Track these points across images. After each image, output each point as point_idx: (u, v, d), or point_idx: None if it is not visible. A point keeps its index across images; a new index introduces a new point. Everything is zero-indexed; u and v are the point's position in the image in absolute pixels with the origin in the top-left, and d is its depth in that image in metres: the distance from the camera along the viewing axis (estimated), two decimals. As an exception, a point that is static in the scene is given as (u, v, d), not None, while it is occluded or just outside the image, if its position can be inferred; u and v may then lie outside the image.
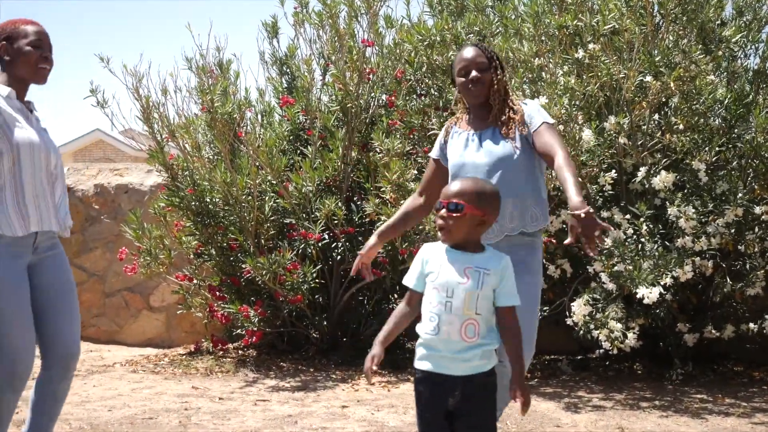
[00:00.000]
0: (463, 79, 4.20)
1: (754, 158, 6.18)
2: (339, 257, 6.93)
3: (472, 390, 3.07)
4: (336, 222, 6.62)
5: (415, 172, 6.39)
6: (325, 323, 7.01)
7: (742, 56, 6.82)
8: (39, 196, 3.77)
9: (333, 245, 6.90)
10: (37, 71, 3.80)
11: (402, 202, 6.08)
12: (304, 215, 6.75)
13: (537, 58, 6.36)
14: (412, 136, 6.75)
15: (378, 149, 6.44)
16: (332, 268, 7.03)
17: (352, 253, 6.84)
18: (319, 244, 6.71)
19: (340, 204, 6.65)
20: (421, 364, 3.12)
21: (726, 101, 6.31)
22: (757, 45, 6.69)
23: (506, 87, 4.19)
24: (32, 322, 3.74)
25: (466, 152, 4.20)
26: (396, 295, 7.26)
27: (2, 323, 3.65)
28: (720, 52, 6.40)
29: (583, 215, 3.53)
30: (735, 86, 6.58)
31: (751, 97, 6.52)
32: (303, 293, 6.56)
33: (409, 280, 3.20)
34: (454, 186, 3.15)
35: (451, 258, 3.13)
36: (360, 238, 6.86)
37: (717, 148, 6.23)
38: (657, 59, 5.91)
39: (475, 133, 4.21)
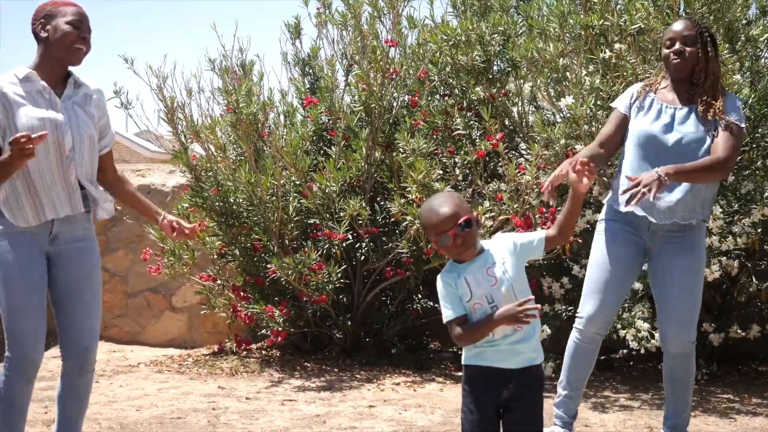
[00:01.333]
0: (666, 51, 4.24)
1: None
2: (363, 257, 6.94)
3: (526, 382, 3.10)
4: (360, 222, 6.63)
5: (440, 172, 6.39)
6: (349, 323, 7.01)
7: (766, 56, 6.80)
8: (51, 182, 3.75)
9: (357, 245, 6.90)
10: (72, 51, 3.79)
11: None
12: (327, 215, 6.76)
13: (562, 58, 6.35)
14: (435, 137, 6.75)
15: (402, 149, 6.45)
16: (356, 269, 7.04)
17: (376, 253, 6.84)
18: (344, 245, 6.72)
19: (364, 204, 6.65)
20: (473, 360, 3.15)
21: (750, 101, 6.30)
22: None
23: (717, 67, 4.21)
24: (43, 312, 3.76)
25: (656, 125, 4.24)
26: (420, 295, 7.26)
27: (11, 311, 3.68)
28: (745, 52, 6.39)
29: (656, 176, 3.75)
30: (759, 86, 6.56)
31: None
32: (328, 293, 6.56)
33: (448, 313, 3.16)
34: (443, 209, 3.12)
35: (470, 272, 3.15)
36: (384, 239, 6.86)
37: (742, 148, 6.21)
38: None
39: (670, 107, 4.24)
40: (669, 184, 3.98)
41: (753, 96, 6.28)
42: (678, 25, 4.27)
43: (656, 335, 5.91)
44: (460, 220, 3.08)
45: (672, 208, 4.20)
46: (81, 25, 3.80)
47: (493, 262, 3.16)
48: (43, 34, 3.79)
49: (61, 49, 3.79)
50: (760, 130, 6.41)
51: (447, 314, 3.14)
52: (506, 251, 3.17)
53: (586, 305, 4.42)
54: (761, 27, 6.15)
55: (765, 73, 6.72)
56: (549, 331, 6.12)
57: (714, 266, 5.87)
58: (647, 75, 6.06)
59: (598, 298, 4.37)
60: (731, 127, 4.12)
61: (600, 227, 4.48)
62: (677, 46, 4.21)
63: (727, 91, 4.30)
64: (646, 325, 5.89)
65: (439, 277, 3.20)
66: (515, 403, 3.11)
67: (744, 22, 6.22)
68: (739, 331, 6.39)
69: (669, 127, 4.23)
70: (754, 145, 6.46)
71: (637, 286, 5.97)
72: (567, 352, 4.57)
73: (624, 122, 4.38)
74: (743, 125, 4.14)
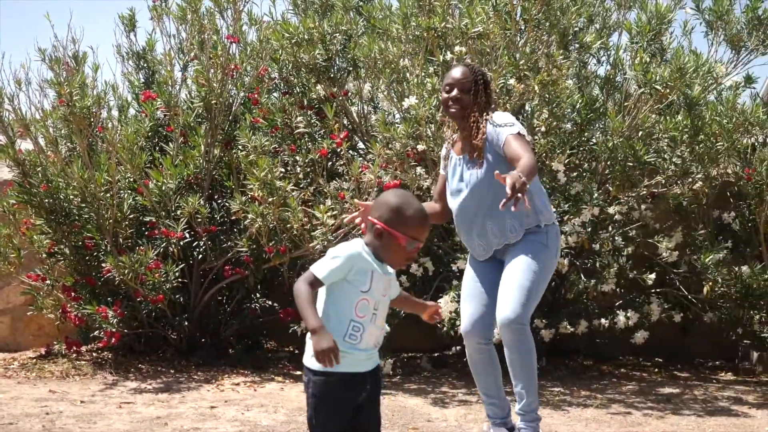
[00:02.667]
0: (444, 95, 4.48)
1: (607, 160, 6.44)
2: (200, 256, 6.81)
3: (376, 382, 3.18)
4: (199, 220, 6.50)
5: (283, 170, 6.36)
6: (185, 323, 6.86)
7: (594, 63, 7.12)
8: None
9: (194, 244, 6.77)
10: None
11: (270, 199, 6.06)
12: (164, 213, 6.60)
13: (403, 60, 6.44)
14: (275, 135, 6.71)
15: (244, 146, 6.38)
16: (192, 268, 6.90)
17: (214, 252, 6.74)
18: (181, 243, 6.57)
19: (202, 202, 6.54)
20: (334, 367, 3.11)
21: (578, 106, 6.57)
22: (609, 52, 6.99)
23: (484, 109, 4.44)
24: None
25: (454, 181, 4.56)
26: (258, 294, 7.20)
27: None
28: (573, 56, 6.66)
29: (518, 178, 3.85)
30: (585, 92, 6.85)
31: (600, 102, 6.81)
32: (165, 292, 6.41)
33: (323, 269, 3.07)
34: (427, 222, 3.20)
35: (380, 271, 3.15)
36: (222, 237, 6.77)
37: (569, 151, 6.47)
38: (521, 63, 6.08)
39: (459, 159, 4.53)
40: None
41: (581, 101, 6.56)
42: (456, 73, 4.48)
43: (496, 331, 6.08)
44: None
45: (489, 248, 4.56)
46: None
47: (393, 281, 3.21)
48: None
49: None
50: (586, 134, 6.70)
51: (321, 269, 3.04)
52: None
53: (463, 324, 4.66)
54: (593, 34, 6.42)
55: (592, 79, 7.03)
56: (388, 328, 6.18)
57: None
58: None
59: (467, 315, 4.61)
60: (509, 139, 4.27)
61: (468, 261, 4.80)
62: (454, 92, 4.44)
63: (494, 115, 4.44)
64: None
65: (357, 244, 3.13)
66: (368, 403, 3.13)
67: (577, 29, 6.47)
68: (568, 327, 6.64)
69: (459, 180, 4.55)
70: (582, 149, 6.75)
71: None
72: (470, 367, 4.75)
73: (446, 180, 4.71)
74: (516, 131, 4.28)
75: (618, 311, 6.63)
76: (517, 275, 4.38)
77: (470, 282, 4.66)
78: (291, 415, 5.43)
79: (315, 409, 3.11)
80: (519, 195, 3.93)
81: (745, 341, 7.08)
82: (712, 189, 7.02)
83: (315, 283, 3.06)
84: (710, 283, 6.61)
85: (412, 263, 6.61)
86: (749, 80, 7.22)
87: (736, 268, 6.68)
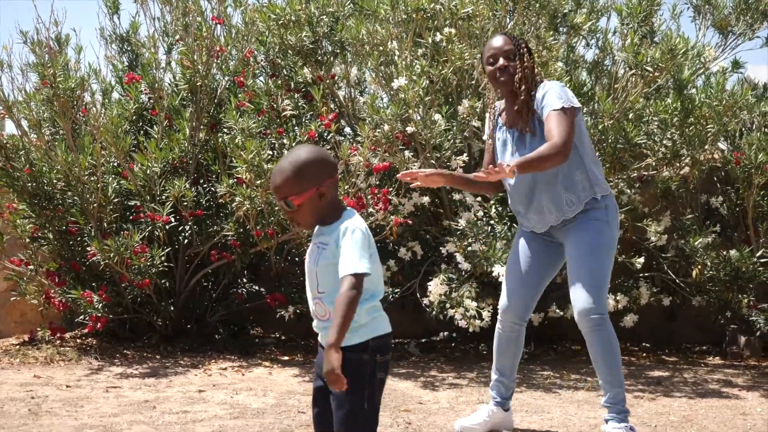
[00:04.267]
0: (490, 68, 4.37)
1: (597, 143, 6.41)
2: (186, 241, 6.73)
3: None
4: (185, 204, 6.42)
5: (270, 152, 6.29)
6: (171, 309, 6.78)
7: (582, 46, 7.08)
8: None
9: (180, 228, 6.69)
10: None
11: (258, 182, 6.00)
12: (149, 197, 6.52)
13: (391, 42, 6.39)
14: (261, 118, 6.63)
15: (232, 128, 6.31)
16: (178, 253, 6.82)
17: (200, 236, 6.66)
18: (167, 227, 6.49)
19: (188, 185, 6.46)
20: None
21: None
22: (597, 35, 6.96)
23: (531, 76, 4.33)
24: None
25: (506, 155, 4.44)
26: (245, 279, 7.13)
27: None
28: (562, 39, 6.62)
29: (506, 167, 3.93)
30: (573, 76, 6.81)
31: (589, 86, 6.78)
32: (151, 277, 6.33)
33: (367, 265, 2.91)
34: (272, 182, 3.00)
35: (313, 241, 3.07)
36: (208, 222, 6.69)
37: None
38: (511, 44, 6.03)
39: (509, 131, 4.44)
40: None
41: (570, 85, 6.52)
42: (497, 41, 4.40)
43: (484, 313, 6.06)
44: (279, 199, 3.00)
45: (544, 225, 4.48)
46: None
47: (320, 244, 3.00)
48: None
49: None
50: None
51: (367, 266, 2.87)
52: (333, 249, 2.94)
53: (501, 298, 4.61)
54: (584, 15, 6.38)
55: (580, 63, 7.00)
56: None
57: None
58: (476, 59, 6.20)
59: (509, 290, 4.57)
60: (550, 114, 4.20)
61: (518, 230, 4.68)
62: (500, 62, 4.35)
63: (540, 82, 4.38)
64: (474, 304, 6.00)
65: (361, 223, 2.96)
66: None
67: (567, 10, 6.43)
68: (557, 311, 6.61)
69: (512, 153, 4.43)
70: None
71: (466, 266, 6.07)
72: (494, 341, 4.69)
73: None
74: (559, 106, 4.18)
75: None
76: (586, 261, 4.29)
77: (519, 257, 4.55)
78: (281, 399, 5.38)
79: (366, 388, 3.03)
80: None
81: (732, 325, 7.07)
82: (700, 173, 7.01)
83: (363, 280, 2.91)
84: (699, 267, 6.60)
85: (402, 248, 6.57)
86: (736, 65, 7.22)
87: (725, 252, 6.68)
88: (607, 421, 4.36)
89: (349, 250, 2.87)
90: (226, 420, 4.85)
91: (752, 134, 6.77)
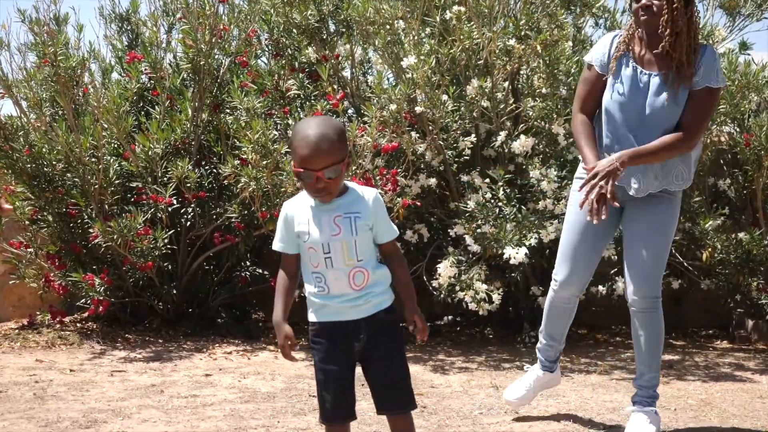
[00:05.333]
0: (635, 5, 3.98)
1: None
2: (189, 223, 6.61)
3: (377, 327, 2.98)
4: (188, 185, 6.30)
5: (276, 132, 6.17)
6: (174, 292, 6.66)
7: (591, 26, 6.98)
8: None
9: (182, 211, 6.57)
10: None
11: (264, 162, 5.89)
12: (151, 179, 6.40)
13: (398, 21, 6.28)
14: (265, 98, 6.52)
15: (235, 109, 6.21)
16: (180, 235, 6.70)
17: (203, 218, 6.54)
18: (169, 209, 6.37)
19: (190, 167, 6.34)
20: (314, 317, 3.03)
21: (573, 71, 6.44)
22: (606, 15, 6.86)
23: (688, 23, 3.93)
24: None
25: (630, 92, 4.03)
26: (248, 263, 7.02)
27: None
28: (570, 20, 6.52)
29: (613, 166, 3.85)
30: (581, 56, 6.71)
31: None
32: (154, 259, 6.22)
33: (276, 244, 3.06)
34: (314, 149, 2.88)
35: (318, 211, 2.98)
36: (211, 204, 6.57)
37: (565, 117, 6.34)
38: (521, 22, 5.95)
39: (645, 72, 4.02)
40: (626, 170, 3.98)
41: (576, 67, 6.42)
42: None
43: (494, 296, 5.97)
44: (327, 167, 2.91)
45: (644, 189, 4.13)
46: None
47: (348, 213, 2.99)
48: None
49: None
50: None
51: (276, 244, 3.11)
52: (369, 217, 3.00)
53: (560, 269, 4.34)
54: (596, -7, 6.29)
55: (588, 44, 6.90)
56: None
57: (550, 227, 5.96)
58: (485, 38, 6.09)
59: (570, 262, 4.29)
60: (704, 91, 3.98)
61: (575, 186, 4.29)
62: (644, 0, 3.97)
63: (705, 45, 4.09)
64: (484, 287, 5.91)
65: (286, 202, 3.12)
66: (374, 352, 2.99)
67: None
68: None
69: (643, 95, 4.05)
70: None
71: (475, 248, 5.98)
72: (546, 306, 4.56)
73: (600, 80, 4.14)
74: (720, 85, 4.00)
75: (616, 278, 6.52)
76: (657, 243, 4.12)
77: (578, 220, 4.21)
78: (290, 382, 5.29)
79: (313, 362, 3.04)
80: (601, 187, 3.84)
81: (739, 309, 7.01)
82: (708, 156, 6.93)
83: (284, 260, 3.05)
84: (709, 250, 6.52)
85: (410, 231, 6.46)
86: (744, 46, 7.14)
87: (734, 235, 6.60)
88: (634, 402, 4.26)
89: (385, 216, 3.02)
90: (237, 404, 4.76)
91: (761, 116, 6.69)
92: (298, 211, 3.01)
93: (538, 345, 4.64)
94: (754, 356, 6.31)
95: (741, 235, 6.54)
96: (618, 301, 6.59)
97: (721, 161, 7.22)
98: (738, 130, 6.85)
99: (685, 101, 4.00)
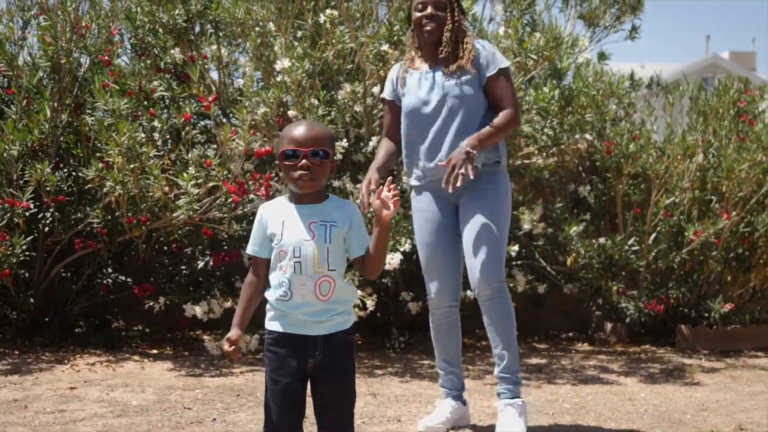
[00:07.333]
0: (418, 14, 4.26)
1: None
2: (47, 228, 6.31)
3: (333, 347, 2.92)
4: (48, 189, 6.02)
5: (143, 135, 5.96)
6: (31, 300, 6.34)
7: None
8: None
9: (40, 216, 6.27)
10: None
11: (131, 166, 5.69)
12: (6, 182, 6.08)
13: (269, 23, 6.18)
14: (129, 99, 6.28)
15: (97, 110, 5.96)
16: (37, 241, 6.38)
17: (63, 223, 6.25)
18: (26, 214, 6.06)
19: (50, 169, 6.05)
20: (273, 325, 2.95)
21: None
22: (474, 24, 6.93)
23: (462, 28, 4.29)
24: None
25: (420, 91, 4.30)
26: (111, 270, 6.76)
27: None
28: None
29: (464, 151, 4.03)
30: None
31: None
32: (11, 267, 5.90)
33: (250, 247, 3.02)
34: (305, 130, 2.92)
35: (295, 214, 2.95)
36: (71, 208, 6.29)
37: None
38: (395, 28, 5.95)
39: (429, 71, 4.31)
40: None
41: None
42: None
43: (368, 303, 5.94)
44: (317, 147, 2.94)
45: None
46: None
47: (324, 221, 2.96)
48: None
49: None
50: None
51: (251, 247, 3.07)
52: (345, 228, 2.97)
53: (429, 285, 4.44)
54: (469, 0, 6.34)
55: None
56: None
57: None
58: (360, 42, 6.06)
59: (432, 275, 4.40)
60: (500, 74, 4.25)
61: (413, 206, 4.52)
62: (429, 10, 4.26)
63: (482, 42, 4.38)
64: (359, 293, 5.87)
65: (263, 204, 3.10)
66: (325, 373, 2.92)
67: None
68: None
69: (431, 88, 4.31)
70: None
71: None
72: (432, 330, 4.54)
73: (394, 107, 4.47)
74: (506, 65, 4.28)
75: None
76: (490, 229, 4.22)
77: (431, 232, 4.40)
78: (161, 394, 5.11)
79: (265, 372, 2.97)
80: (462, 172, 4.02)
81: (598, 312, 7.22)
82: (571, 163, 7.11)
83: (254, 264, 3.00)
84: (573, 255, 6.68)
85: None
86: (602, 56, 7.39)
87: (595, 240, 6.79)
88: (500, 395, 4.32)
89: (362, 231, 2.98)
90: (109, 419, 4.55)
91: (621, 124, 6.91)
92: (273, 213, 2.97)
93: (440, 381, 4.60)
94: (616, 358, 6.50)
95: (603, 240, 6.73)
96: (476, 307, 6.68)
97: (580, 168, 7.41)
98: (598, 137, 7.04)
99: (479, 86, 4.26)
